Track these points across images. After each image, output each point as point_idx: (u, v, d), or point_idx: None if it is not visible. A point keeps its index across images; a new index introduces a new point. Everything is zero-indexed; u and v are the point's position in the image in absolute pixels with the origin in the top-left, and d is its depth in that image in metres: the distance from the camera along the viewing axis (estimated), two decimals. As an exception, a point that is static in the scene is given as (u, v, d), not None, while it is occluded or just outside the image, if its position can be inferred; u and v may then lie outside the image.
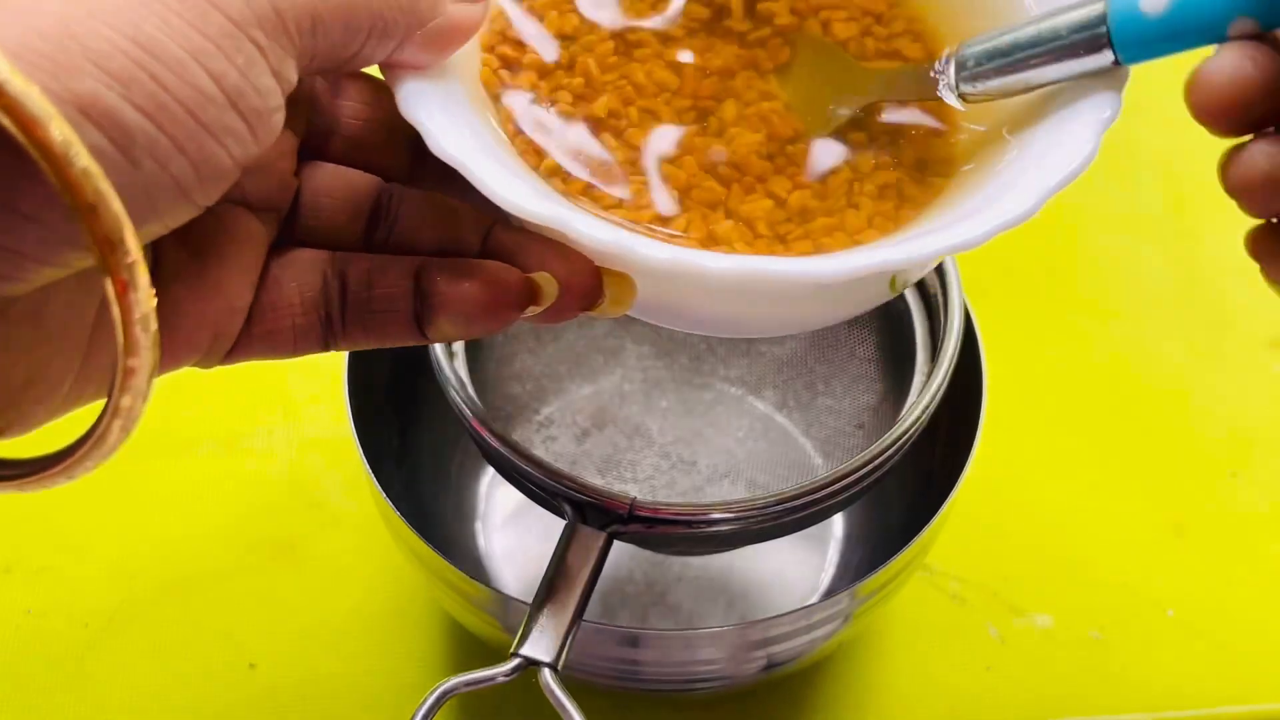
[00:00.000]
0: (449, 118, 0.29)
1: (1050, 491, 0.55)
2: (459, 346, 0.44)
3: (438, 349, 0.41)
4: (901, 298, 0.46)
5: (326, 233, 0.30)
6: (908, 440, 0.40)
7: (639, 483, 0.47)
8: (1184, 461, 0.56)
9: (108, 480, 0.55)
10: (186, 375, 0.61)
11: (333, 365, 0.58)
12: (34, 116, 0.20)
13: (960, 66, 0.32)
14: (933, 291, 0.45)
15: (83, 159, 0.20)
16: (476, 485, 0.54)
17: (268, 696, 0.49)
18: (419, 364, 0.43)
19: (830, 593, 0.50)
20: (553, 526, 0.41)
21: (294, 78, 0.25)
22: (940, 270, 0.44)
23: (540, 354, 0.49)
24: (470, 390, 0.42)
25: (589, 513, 0.38)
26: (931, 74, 0.33)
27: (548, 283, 0.29)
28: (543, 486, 0.39)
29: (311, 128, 0.31)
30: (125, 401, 0.23)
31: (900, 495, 0.53)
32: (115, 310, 0.22)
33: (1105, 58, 0.30)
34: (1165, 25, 0.29)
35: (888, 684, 0.50)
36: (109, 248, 0.21)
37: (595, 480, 0.41)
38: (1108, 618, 0.51)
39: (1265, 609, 0.52)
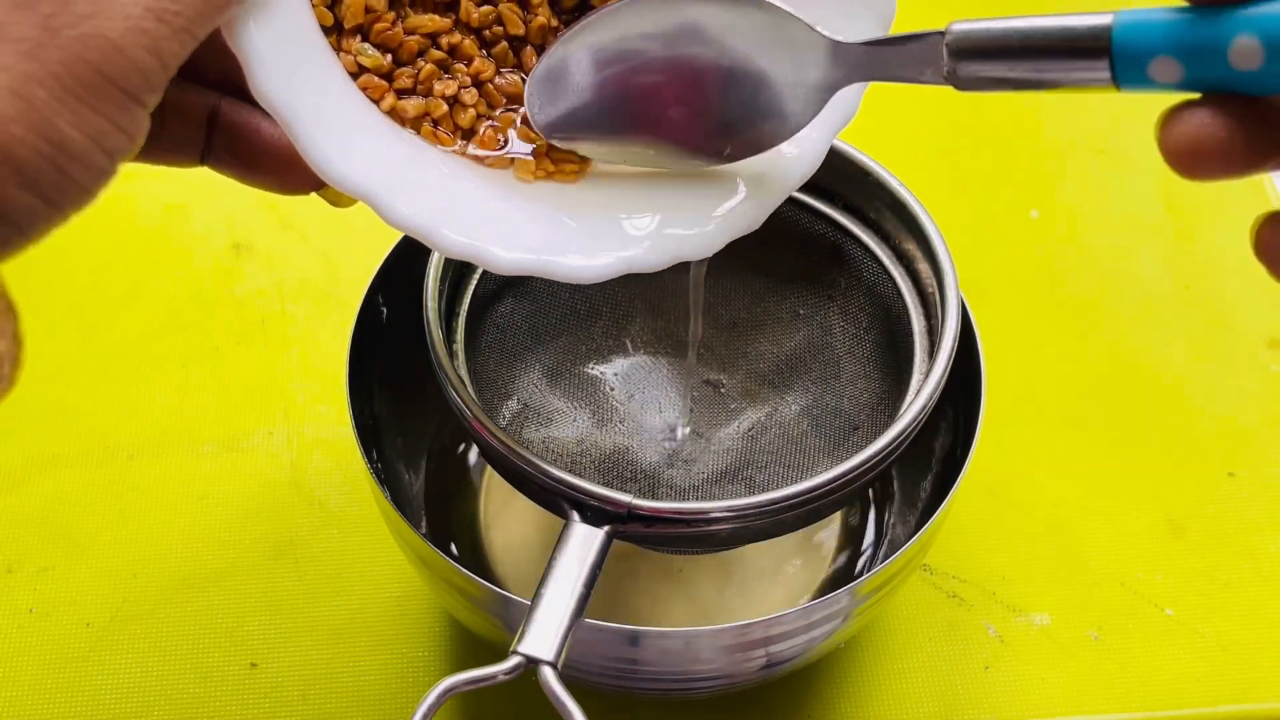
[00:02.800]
0: (285, 52, 0.30)
1: (1049, 491, 0.55)
2: (459, 346, 0.44)
3: (438, 349, 0.42)
4: (899, 296, 0.46)
5: None
6: (905, 439, 0.40)
7: (638, 482, 0.47)
8: (1182, 461, 0.57)
9: (109, 480, 0.55)
10: (187, 376, 0.61)
11: (334, 366, 0.58)
12: None
13: (959, 52, 0.31)
14: (930, 291, 0.45)
15: None
16: (477, 484, 0.54)
17: (269, 695, 0.49)
18: (420, 364, 0.44)
19: (829, 592, 0.50)
20: (552, 525, 0.41)
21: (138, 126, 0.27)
22: (938, 269, 0.44)
23: (541, 354, 0.49)
24: (470, 390, 0.42)
25: (588, 512, 0.39)
26: (909, 48, 0.32)
27: None
28: (543, 486, 0.39)
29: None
30: None
31: (899, 494, 0.53)
32: None
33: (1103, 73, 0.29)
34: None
35: (887, 683, 0.50)
36: None
37: (595, 480, 0.41)
38: (1106, 617, 0.52)
39: (1263, 608, 0.52)
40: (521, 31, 0.36)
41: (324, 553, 0.53)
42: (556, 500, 0.39)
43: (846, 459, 0.39)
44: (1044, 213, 0.66)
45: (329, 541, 0.53)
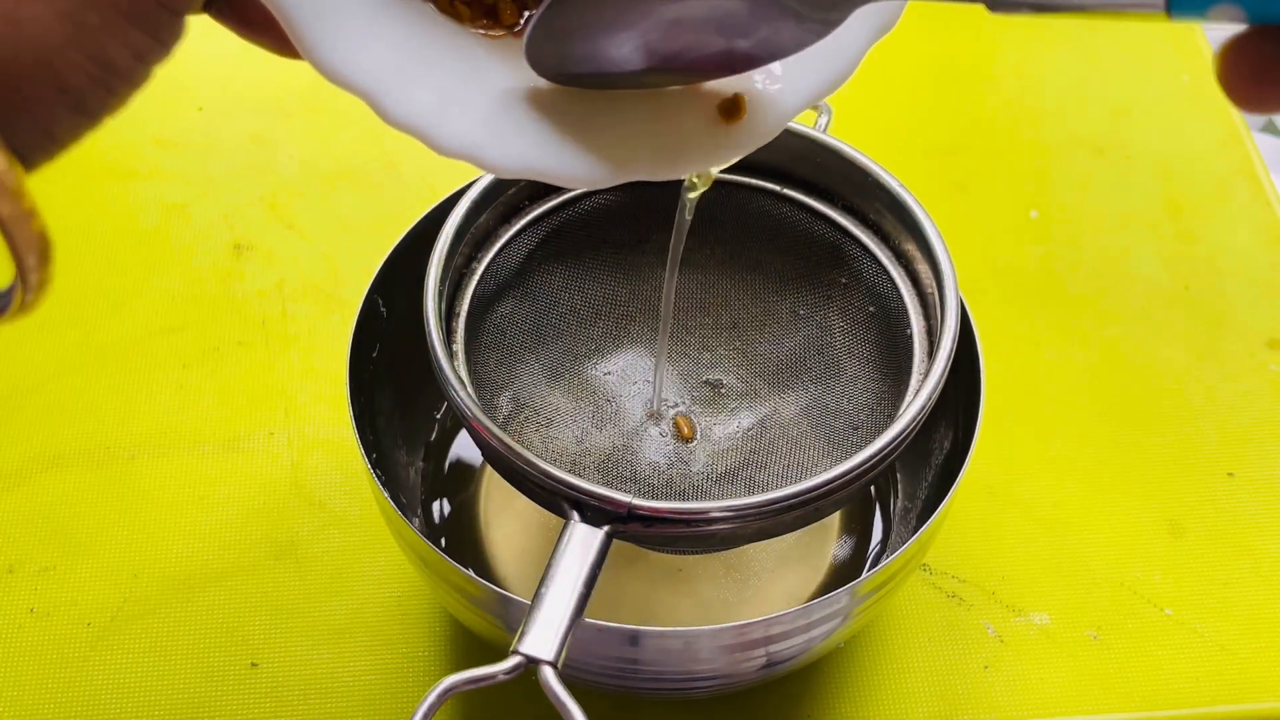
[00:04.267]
0: None
1: (1048, 491, 0.55)
2: (459, 346, 0.44)
3: (438, 349, 0.42)
4: (899, 296, 0.46)
5: None
6: (905, 439, 0.41)
7: (638, 482, 0.47)
8: (1182, 461, 0.57)
9: (110, 481, 0.55)
10: (187, 376, 0.61)
11: (334, 367, 0.58)
12: None
13: None
14: (929, 291, 0.45)
15: None
16: (477, 484, 0.55)
17: (269, 695, 0.49)
18: (420, 364, 0.44)
19: (828, 592, 0.50)
20: (552, 525, 0.41)
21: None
22: (937, 270, 0.44)
23: (541, 354, 0.49)
24: (470, 390, 0.42)
25: (588, 512, 0.39)
26: None
27: None
28: (543, 486, 0.39)
29: None
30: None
31: (899, 494, 0.53)
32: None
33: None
34: None
35: (886, 683, 0.50)
36: None
37: (595, 480, 0.41)
38: (1105, 617, 0.52)
39: (1262, 608, 0.52)
40: None
41: (324, 552, 0.53)
42: (556, 500, 0.39)
43: (846, 459, 0.40)
44: (1043, 213, 0.66)
45: (329, 541, 0.53)
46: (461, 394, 0.41)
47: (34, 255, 0.26)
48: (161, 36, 0.27)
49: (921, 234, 0.45)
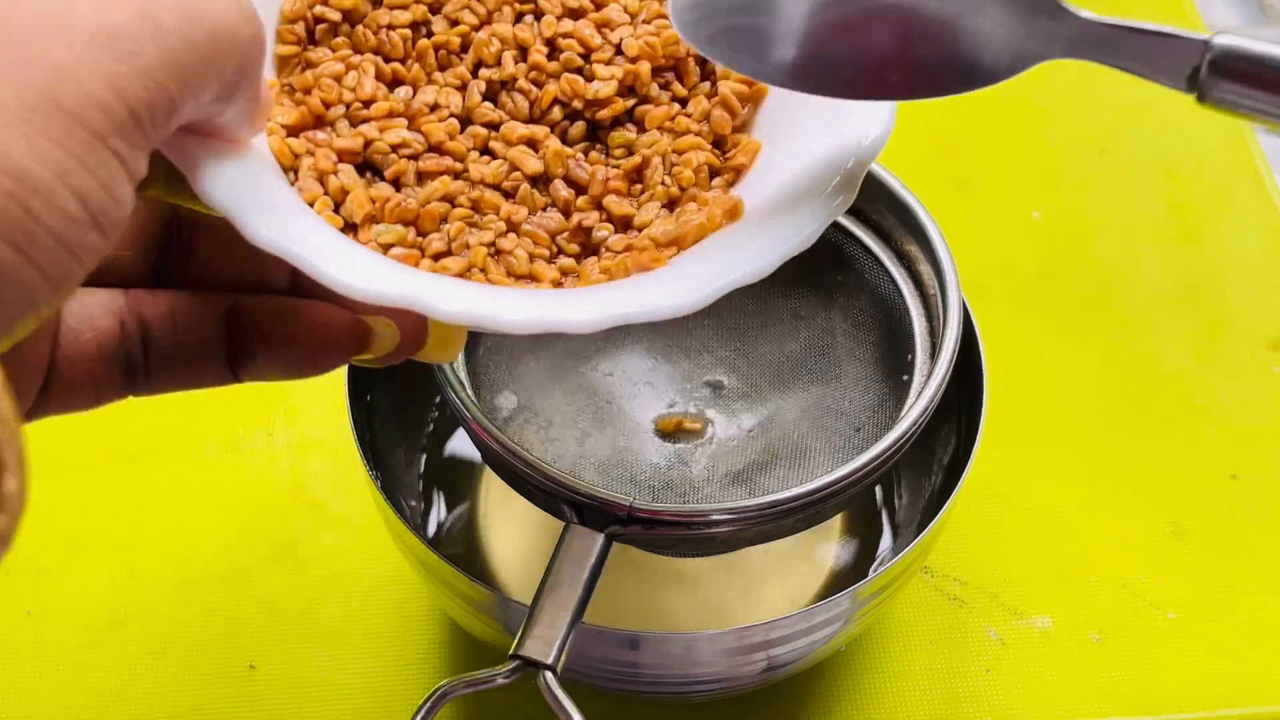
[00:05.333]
0: (259, 194, 0.27)
1: (1050, 493, 0.55)
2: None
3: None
4: (900, 297, 0.46)
5: (113, 269, 0.27)
6: (907, 441, 0.40)
7: (638, 484, 0.46)
8: (1185, 463, 0.56)
9: (109, 482, 0.55)
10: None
11: (333, 367, 0.58)
12: None
13: (1221, 69, 0.28)
14: (932, 292, 0.45)
15: None
16: (476, 486, 0.54)
17: (267, 697, 0.49)
18: (419, 365, 0.43)
19: (830, 595, 0.50)
20: (552, 527, 0.41)
21: (144, 170, 0.23)
22: (939, 271, 0.44)
23: (541, 355, 0.49)
24: (470, 391, 0.42)
25: (588, 514, 0.38)
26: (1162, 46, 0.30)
27: (387, 328, 0.28)
28: (542, 488, 0.39)
29: None
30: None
31: (901, 496, 0.53)
32: None
33: None
34: None
35: (888, 686, 0.50)
36: None
37: (594, 482, 0.41)
38: (1108, 620, 0.51)
39: (1266, 611, 0.52)
40: (540, 168, 0.34)
41: (323, 555, 0.53)
42: (556, 503, 0.39)
43: (848, 461, 0.39)
44: (1046, 214, 0.66)
45: (328, 544, 0.53)
46: (461, 395, 0.41)
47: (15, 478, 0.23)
48: (87, 162, 0.22)
49: (924, 234, 0.45)
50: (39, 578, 0.52)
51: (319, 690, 0.49)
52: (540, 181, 0.34)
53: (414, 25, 0.35)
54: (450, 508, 0.54)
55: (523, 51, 0.35)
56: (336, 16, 0.35)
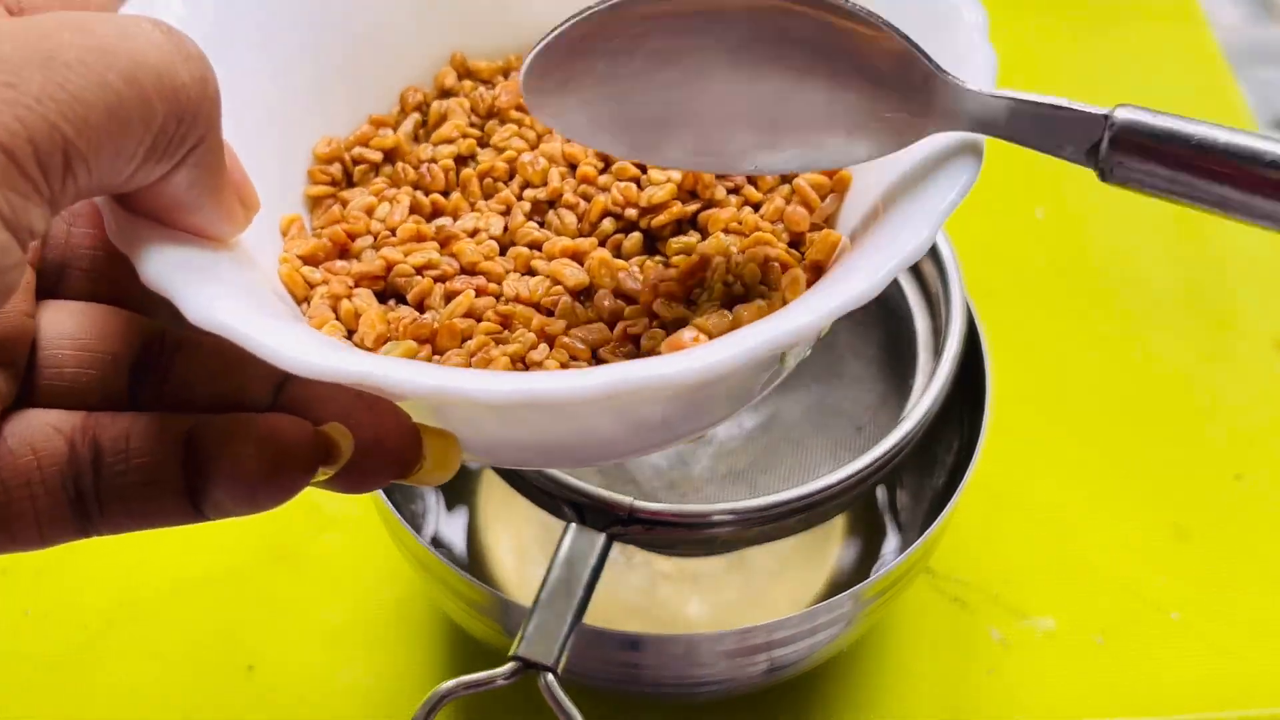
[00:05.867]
0: (210, 273, 0.24)
1: (1054, 494, 0.55)
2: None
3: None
4: (903, 296, 0.45)
5: (76, 390, 0.24)
6: (909, 442, 0.40)
7: (639, 484, 0.46)
8: (1188, 464, 0.56)
9: (106, 481, 0.55)
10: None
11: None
12: None
13: (1123, 145, 0.26)
14: (934, 290, 0.44)
15: None
16: (476, 486, 0.54)
17: (266, 699, 0.49)
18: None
19: (832, 596, 0.50)
20: (552, 528, 0.41)
21: (41, 225, 0.20)
22: (942, 269, 0.44)
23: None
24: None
25: (589, 514, 0.38)
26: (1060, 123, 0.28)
27: (341, 435, 0.24)
28: (542, 488, 0.39)
29: (44, 262, 0.25)
30: None
31: (903, 496, 0.53)
32: None
33: None
34: None
35: (890, 687, 0.50)
36: None
37: (595, 482, 0.41)
38: (1111, 621, 0.51)
39: (1269, 612, 0.52)
40: (584, 280, 0.29)
41: (322, 555, 0.53)
42: (557, 503, 0.39)
43: (850, 462, 0.39)
44: (1049, 212, 0.66)
45: (327, 544, 0.53)
46: (460, 395, 0.40)
47: None
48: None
49: (926, 234, 0.44)
50: (37, 578, 0.52)
51: (317, 691, 0.49)
52: (586, 296, 0.29)
53: (459, 159, 0.33)
54: (450, 507, 0.54)
55: (572, 168, 0.32)
56: (377, 157, 0.33)
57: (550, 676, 0.35)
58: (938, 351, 0.43)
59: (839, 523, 0.53)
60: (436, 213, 0.32)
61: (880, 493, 0.54)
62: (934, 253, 0.44)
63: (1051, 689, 0.49)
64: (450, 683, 0.36)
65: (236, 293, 0.24)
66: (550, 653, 0.35)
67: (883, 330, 0.47)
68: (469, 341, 0.28)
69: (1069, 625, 0.51)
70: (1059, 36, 0.74)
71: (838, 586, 0.51)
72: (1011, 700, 0.49)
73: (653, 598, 0.50)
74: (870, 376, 0.47)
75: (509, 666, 0.35)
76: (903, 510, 0.53)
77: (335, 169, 0.32)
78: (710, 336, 0.26)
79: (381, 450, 0.24)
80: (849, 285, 0.24)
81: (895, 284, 0.46)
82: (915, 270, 0.46)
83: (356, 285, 0.29)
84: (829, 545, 0.53)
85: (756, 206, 0.31)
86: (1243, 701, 0.49)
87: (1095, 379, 0.59)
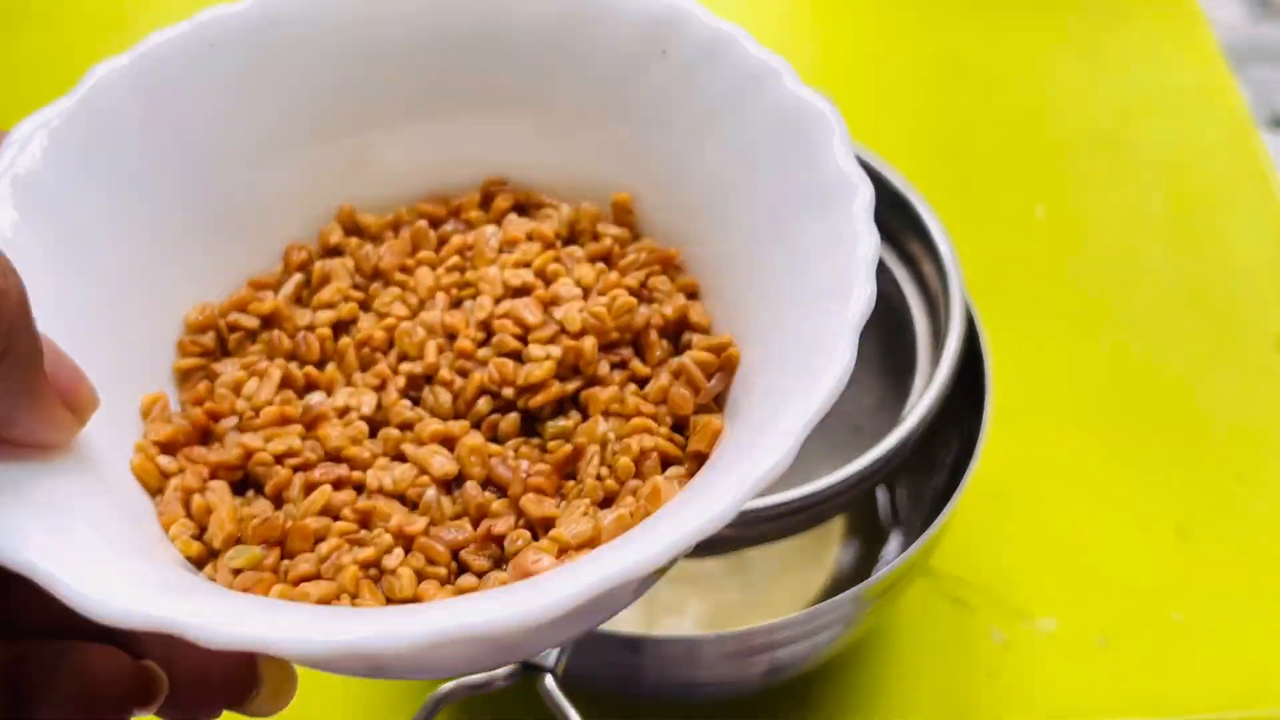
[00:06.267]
0: (16, 499, 0.23)
1: (1055, 494, 0.55)
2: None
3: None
4: (903, 296, 0.45)
5: None
6: (910, 443, 0.40)
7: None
8: (1190, 464, 0.56)
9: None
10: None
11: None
12: None
13: None
14: (934, 291, 0.44)
15: None
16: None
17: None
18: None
19: (832, 597, 0.50)
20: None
21: None
22: (941, 270, 0.44)
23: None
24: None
25: (588, 516, 0.38)
26: None
27: (156, 672, 0.23)
28: (541, 490, 0.39)
29: None
30: None
31: (904, 496, 0.53)
32: None
33: None
34: None
35: (891, 689, 0.49)
36: None
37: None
38: (1113, 622, 0.51)
39: (1272, 613, 0.52)
40: (451, 470, 0.28)
41: (322, 557, 0.52)
42: (556, 504, 0.39)
43: (850, 462, 0.39)
44: (1050, 211, 0.65)
45: (327, 545, 0.53)
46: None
47: None
48: None
49: (926, 233, 0.44)
50: (36, 580, 0.52)
51: (316, 693, 0.49)
52: (455, 485, 0.28)
53: (338, 324, 0.31)
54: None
55: (451, 339, 0.30)
56: (253, 324, 0.31)
57: (550, 678, 0.35)
58: (937, 352, 0.43)
59: (839, 523, 0.53)
60: (310, 385, 0.30)
61: (880, 493, 0.54)
62: (934, 253, 0.44)
63: (1053, 690, 0.49)
64: (450, 685, 0.36)
65: (50, 516, 0.23)
66: (550, 655, 0.35)
67: (882, 330, 0.47)
68: (321, 544, 0.27)
69: (1070, 626, 0.51)
70: (1059, 36, 0.74)
71: (838, 587, 0.51)
72: (1013, 701, 0.49)
73: (652, 599, 0.50)
74: (870, 377, 0.47)
75: (508, 668, 0.35)
76: (903, 511, 0.53)
77: (208, 338, 0.31)
78: (565, 551, 0.26)
79: (207, 683, 0.23)
80: (709, 505, 0.23)
81: (895, 284, 0.46)
82: (915, 270, 0.45)
83: (213, 475, 0.28)
84: (829, 546, 0.53)
85: (642, 382, 0.29)
86: (1245, 702, 0.49)
87: (1096, 379, 0.59)
